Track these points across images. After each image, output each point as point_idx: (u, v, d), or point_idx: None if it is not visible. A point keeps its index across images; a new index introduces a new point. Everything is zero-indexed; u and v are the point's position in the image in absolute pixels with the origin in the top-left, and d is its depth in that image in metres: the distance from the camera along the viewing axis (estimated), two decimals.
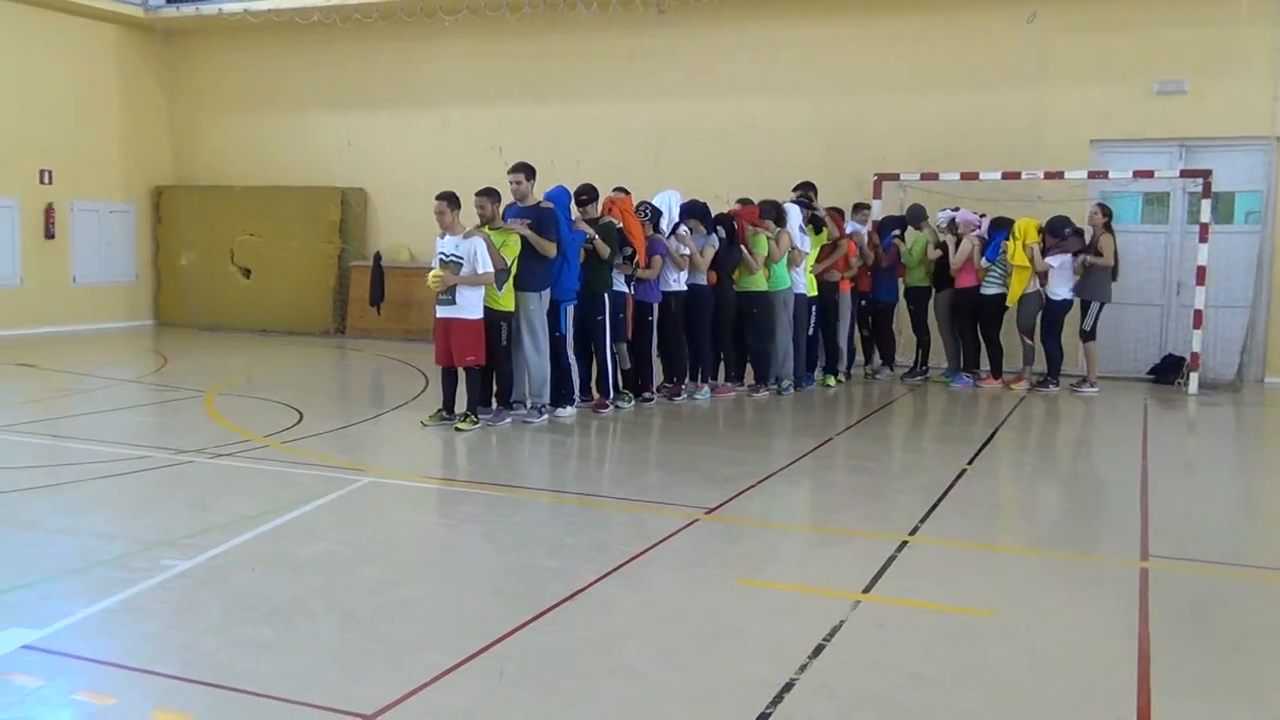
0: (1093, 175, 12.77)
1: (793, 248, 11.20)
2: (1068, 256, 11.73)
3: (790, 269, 11.27)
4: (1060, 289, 11.81)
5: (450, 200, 8.93)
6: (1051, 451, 9.47)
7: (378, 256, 16.41)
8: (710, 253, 10.65)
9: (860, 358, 13.02)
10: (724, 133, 14.95)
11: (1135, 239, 13.15)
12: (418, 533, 6.24)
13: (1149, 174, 12.51)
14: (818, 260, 11.81)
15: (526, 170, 9.42)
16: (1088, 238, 11.93)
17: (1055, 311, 11.90)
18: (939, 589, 5.25)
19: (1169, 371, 12.79)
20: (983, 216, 12.15)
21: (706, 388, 11.00)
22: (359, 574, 5.29)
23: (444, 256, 8.92)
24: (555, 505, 6.87)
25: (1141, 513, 6.80)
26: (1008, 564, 5.79)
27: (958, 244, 12.03)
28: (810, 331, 11.75)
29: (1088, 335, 11.95)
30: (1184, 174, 12.51)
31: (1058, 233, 11.73)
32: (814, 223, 11.71)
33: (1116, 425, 10.58)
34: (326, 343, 16.21)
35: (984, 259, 11.91)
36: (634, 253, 9.97)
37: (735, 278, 11.02)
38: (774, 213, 11.16)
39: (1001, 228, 11.98)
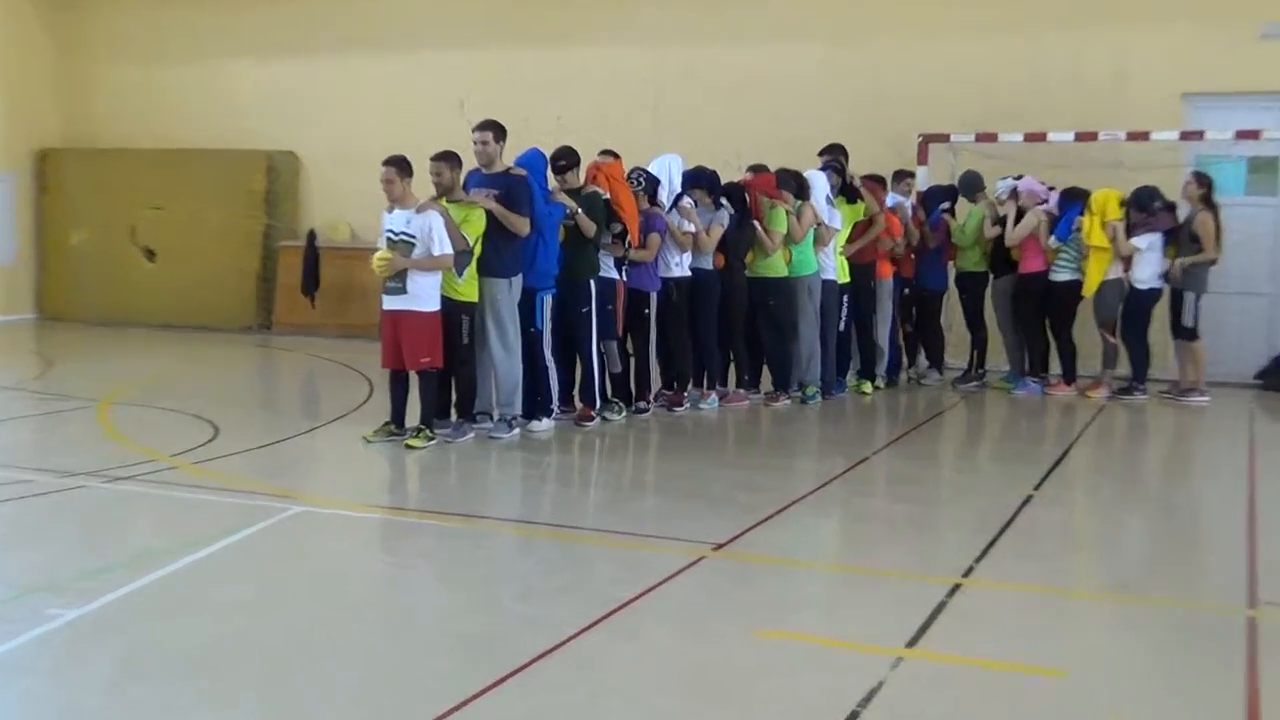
0: (1185, 136, 12.77)
1: (819, 224, 11.19)
2: (1157, 236, 11.71)
3: (816, 250, 11.26)
4: (1147, 276, 11.79)
5: (400, 166, 8.90)
6: (1137, 474, 9.45)
7: (311, 235, 16.37)
8: (718, 231, 10.64)
9: (903, 359, 13.00)
10: (736, 84, 14.92)
11: (1238, 213, 13.10)
12: (358, 573, 6.21)
13: (1254, 135, 12.51)
14: (850, 239, 11.80)
15: (495, 129, 9.38)
16: (1181, 214, 11.92)
17: (1141, 303, 11.89)
18: (999, 643, 5.22)
19: None
20: (1051, 189, 12.13)
21: (714, 395, 10.99)
22: (285, 623, 5.26)
23: (392, 235, 8.89)
24: (528, 539, 6.83)
25: (1248, 549, 6.78)
26: (1083, 612, 5.78)
27: (1019, 218, 12.00)
28: (842, 326, 11.74)
29: (1189, 333, 11.91)
30: None
31: (1144, 207, 11.71)
32: (846, 193, 11.70)
33: (1216, 441, 10.56)
34: (248, 340, 16.18)
35: (1053, 238, 11.89)
36: (625, 230, 9.96)
37: (748, 261, 11.01)
38: (795, 182, 11.15)
39: (1075, 200, 11.95)
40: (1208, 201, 11.80)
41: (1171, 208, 11.88)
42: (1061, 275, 11.98)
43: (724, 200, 10.76)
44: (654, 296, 10.40)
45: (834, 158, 12.00)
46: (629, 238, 10.02)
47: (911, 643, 5.13)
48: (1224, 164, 13.25)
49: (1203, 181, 11.89)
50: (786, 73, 14.72)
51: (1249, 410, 11.69)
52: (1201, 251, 11.71)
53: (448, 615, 5.46)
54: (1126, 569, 6.64)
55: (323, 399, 12.42)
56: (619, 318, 10.17)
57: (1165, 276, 11.84)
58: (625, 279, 10.20)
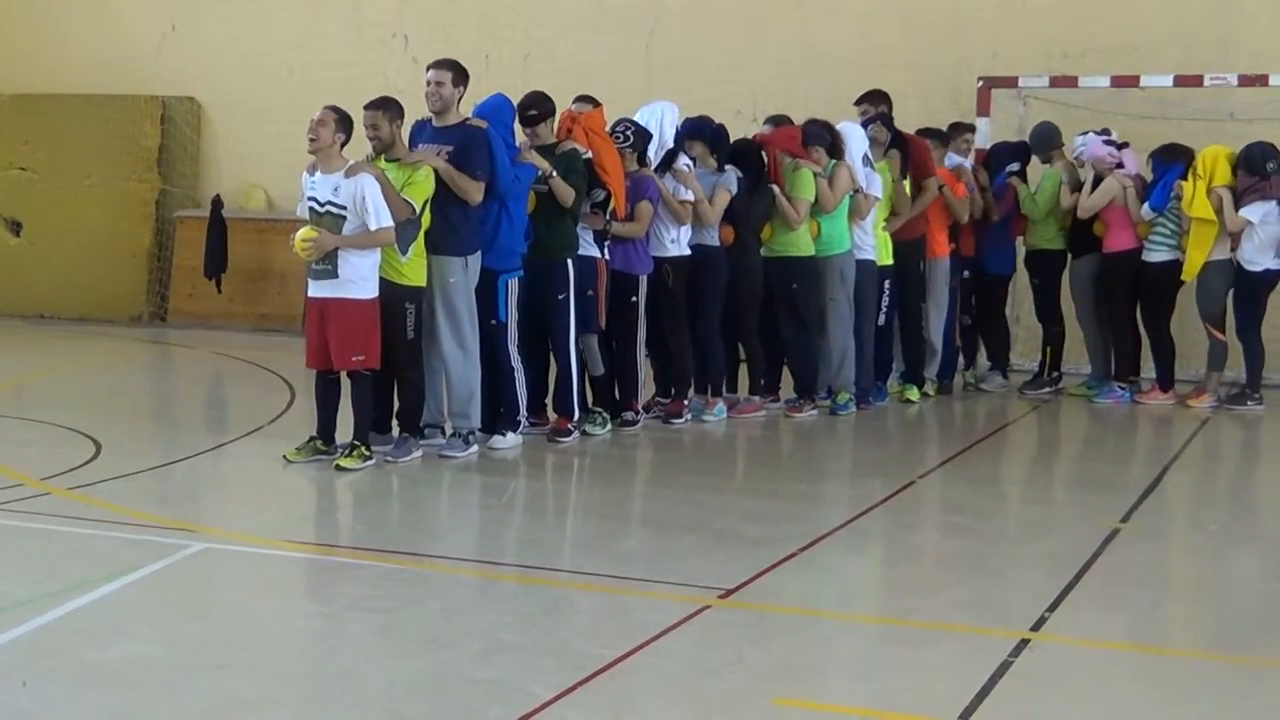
0: None
1: (855, 190, 11.20)
2: (1272, 205, 11.69)
3: (852, 223, 11.28)
4: (1260, 254, 11.79)
5: (341, 116, 8.89)
6: (1249, 504, 9.49)
7: (217, 203, 16.33)
8: (724, 197, 10.62)
9: (960, 359, 13.02)
10: (751, 12, 14.93)
11: None
12: (278, 628, 6.21)
13: None
14: (893, 212, 11.78)
15: (455, 69, 9.37)
16: None
17: (1253, 288, 11.88)
18: (1077, 712, 5.25)
19: None
20: (1122, 148, 12.06)
21: (721, 404, 11.01)
22: (186, 691, 5.25)
23: (317, 205, 8.88)
24: (489, 584, 6.84)
25: None
26: (1181, 676, 5.80)
27: (1098, 183, 11.99)
28: (882, 319, 11.76)
29: None
30: None
31: (1256, 169, 11.69)
32: (896, 149, 11.70)
33: None
34: (138, 334, 16.15)
35: (1147, 208, 11.89)
36: (609, 197, 9.95)
37: (765, 237, 11.03)
38: (826, 137, 11.15)
39: (1174, 160, 11.95)
40: None
41: None
42: (1157, 254, 11.96)
43: (735, 160, 10.74)
44: (644, 280, 10.41)
45: (876, 108, 12.01)
46: (613, 206, 10.02)
47: (968, 713, 5.15)
48: None
49: None
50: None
51: None
52: None
53: (390, 681, 5.45)
54: (1236, 622, 6.65)
55: (232, 408, 12.39)
56: (602, 306, 10.18)
57: None
58: (609, 259, 10.21)
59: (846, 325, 11.29)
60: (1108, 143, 12.06)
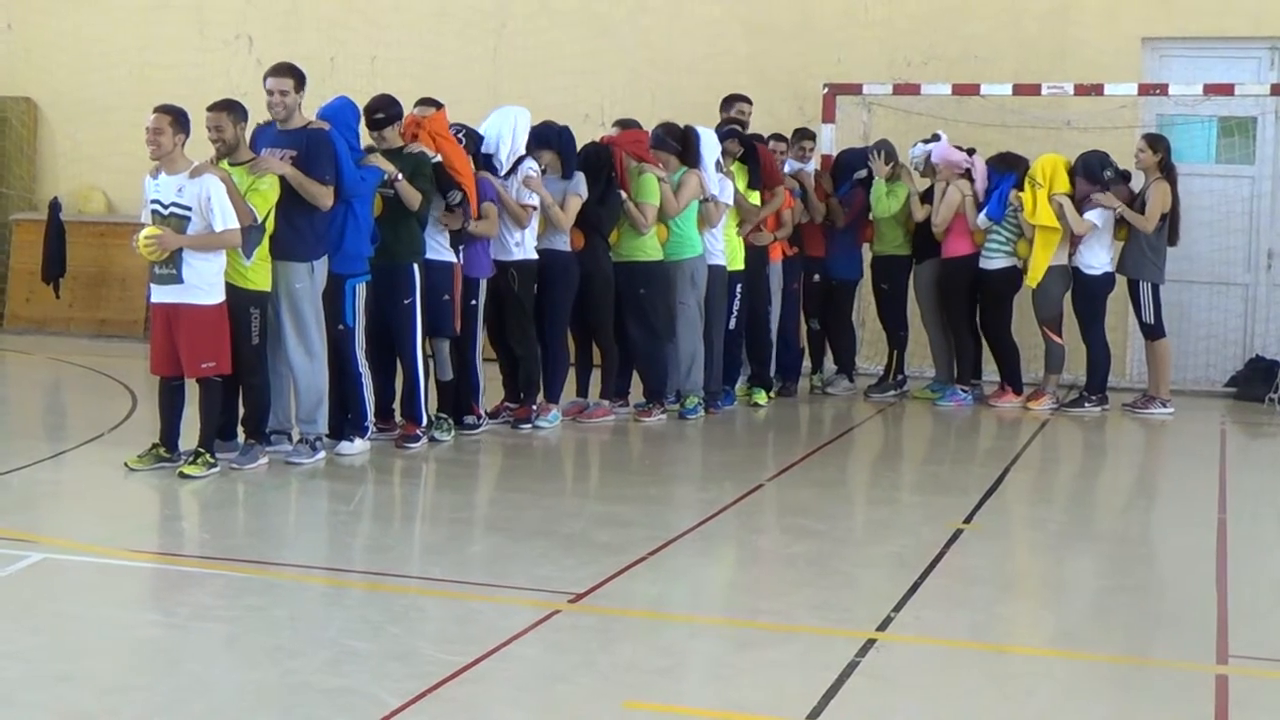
0: (1145, 91, 13.14)
1: (706, 197, 11.26)
2: (1110, 212, 11.93)
3: (702, 229, 11.34)
4: (1097, 258, 12.06)
5: (177, 116, 8.78)
6: (1086, 504, 9.69)
7: (55, 206, 16.05)
8: (577, 203, 10.63)
9: (806, 363, 13.16)
10: (597, 17, 14.98)
11: (1206, 185, 13.51)
12: (120, 637, 6.11)
13: (1227, 89, 12.94)
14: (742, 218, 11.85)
15: (296, 76, 9.30)
16: (1137, 184, 12.21)
17: (1093, 292, 12.15)
18: (922, 710, 5.33)
19: (1257, 383, 13.16)
20: (971, 153, 12.28)
21: (555, 410, 10.95)
22: (26, 704, 5.15)
23: (161, 207, 8.76)
24: (337, 592, 6.80)
25: (1218, 594, 7.00)
26: (1024, 671, 5.91)
27: (944, 191, 12.19)
28: (731, 324, 11.85)
29: (1154, 330, 12.20)
30: (1278, 90, 12.96)
31: (1094, 176, 11.92)
32: (747, 161, 11.77)
33: (1182, 463, 10.88)
34: None
35: (983, 216, 12.07)
36: (464, 197, 9.89)
37: (613, 241, 11.06)
38: (674, 144, 11.20)
39: (1008, 169, 12.16)
40: (1164, 170, 11.98)
41: (1125, 177, 12.14)
42: (995, 262, 12.15)
43: (580, 170, 10.74)
44: (483, 285, 10.39)
45: (732, 116, 12.10)
46: (468, 206, 9.96)
47: (815, 713, 5.21)
48: (1189, 125, 13.63)
49: (1158, 145, 12.07)
50: (664, 4, 14.81)
51: (1219, 425, 12.06)
52: (1143, 217, 11.85)
53: (236, 693, 5.40)
54: (1075, 619, 6.79)
55: (71, 415, 12.16)
56: (457, 311, 10.12)
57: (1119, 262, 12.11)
58: (462, 261, 10.16)
59: (695, 330, 11.35)
60: (957, 148, 12.24)
